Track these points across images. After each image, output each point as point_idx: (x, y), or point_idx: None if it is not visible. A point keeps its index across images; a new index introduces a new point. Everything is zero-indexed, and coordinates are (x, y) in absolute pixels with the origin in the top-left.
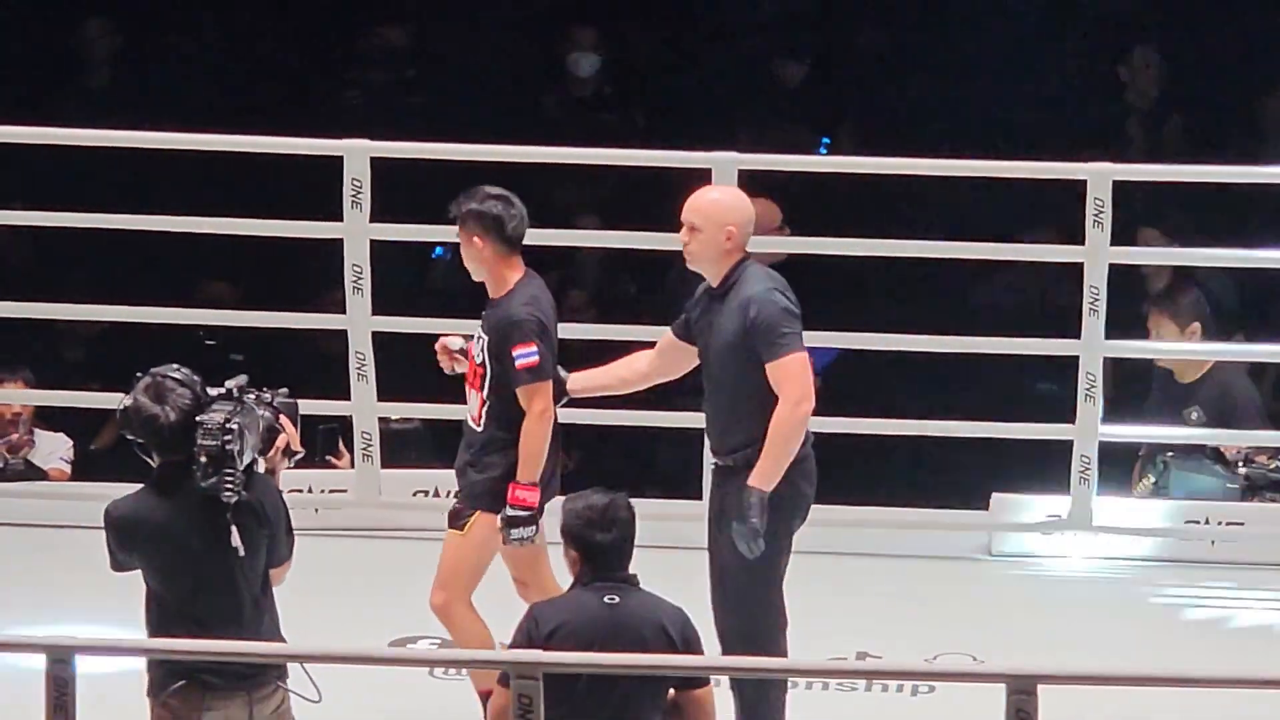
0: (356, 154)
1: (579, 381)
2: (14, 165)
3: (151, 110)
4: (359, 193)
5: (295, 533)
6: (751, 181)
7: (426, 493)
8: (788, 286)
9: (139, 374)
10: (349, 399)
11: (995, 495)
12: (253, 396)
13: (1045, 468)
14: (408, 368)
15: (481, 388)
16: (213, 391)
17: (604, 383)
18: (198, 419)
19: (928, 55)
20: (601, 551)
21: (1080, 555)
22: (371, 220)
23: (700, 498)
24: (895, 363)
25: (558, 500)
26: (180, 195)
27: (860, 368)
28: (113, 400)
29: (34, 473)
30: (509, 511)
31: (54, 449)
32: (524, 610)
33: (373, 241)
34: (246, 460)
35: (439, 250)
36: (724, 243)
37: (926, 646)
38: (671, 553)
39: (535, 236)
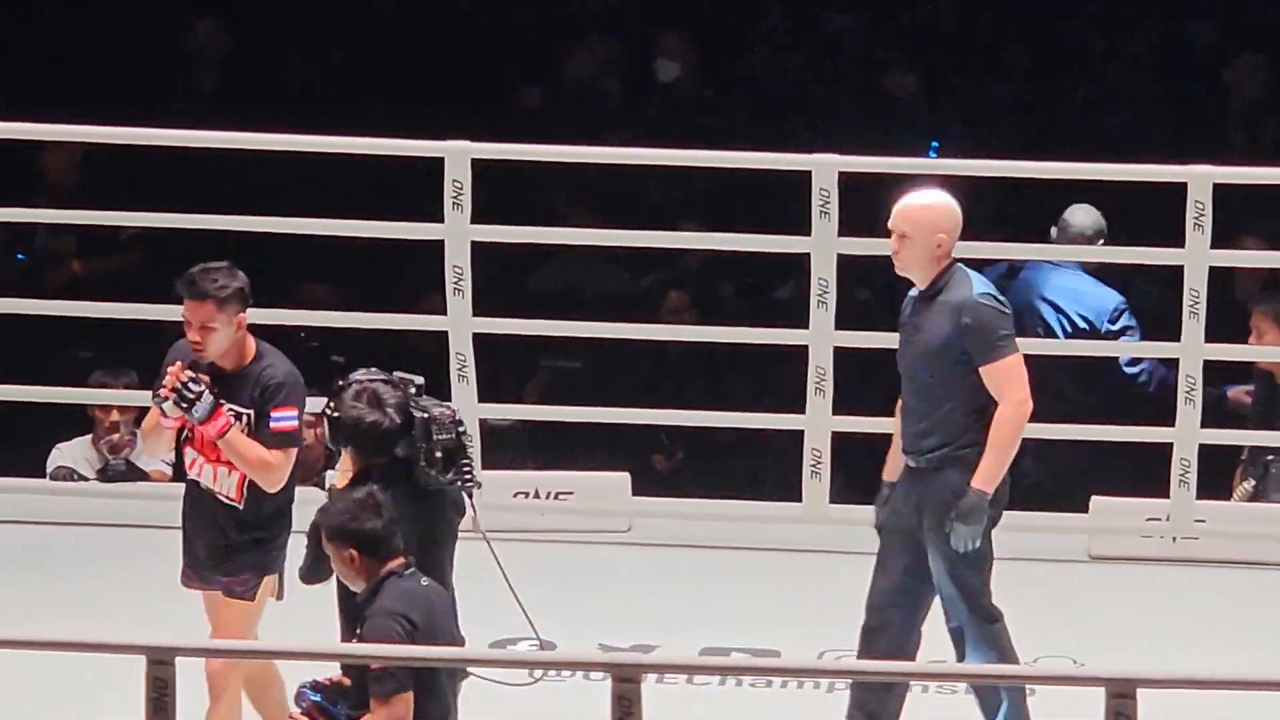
0: (457, 156)
1: (890, 469)
2: (122, 166)
3: (256, 111)
4: (460, 194)
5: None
6: (852, 185)
7: (527, 494)
8: (994, 286)
9: (340, 383)
10: (449, 400)
11: (1095, 498)
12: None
13: (1144, 471)
14: (507, 369)
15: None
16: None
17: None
18: (424, 414)
19: (1031, 58)
20: (380, 538)
21: (1180, 559)
22: (472, 221)
23: (800, 500)
24: None
25: None
26: (281, 196)
27: None
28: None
29: (135, 474)
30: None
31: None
32: None
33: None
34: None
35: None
36: (935, 250)
37: (1026, 649)
38: (775, 555)
39: (637, 238)
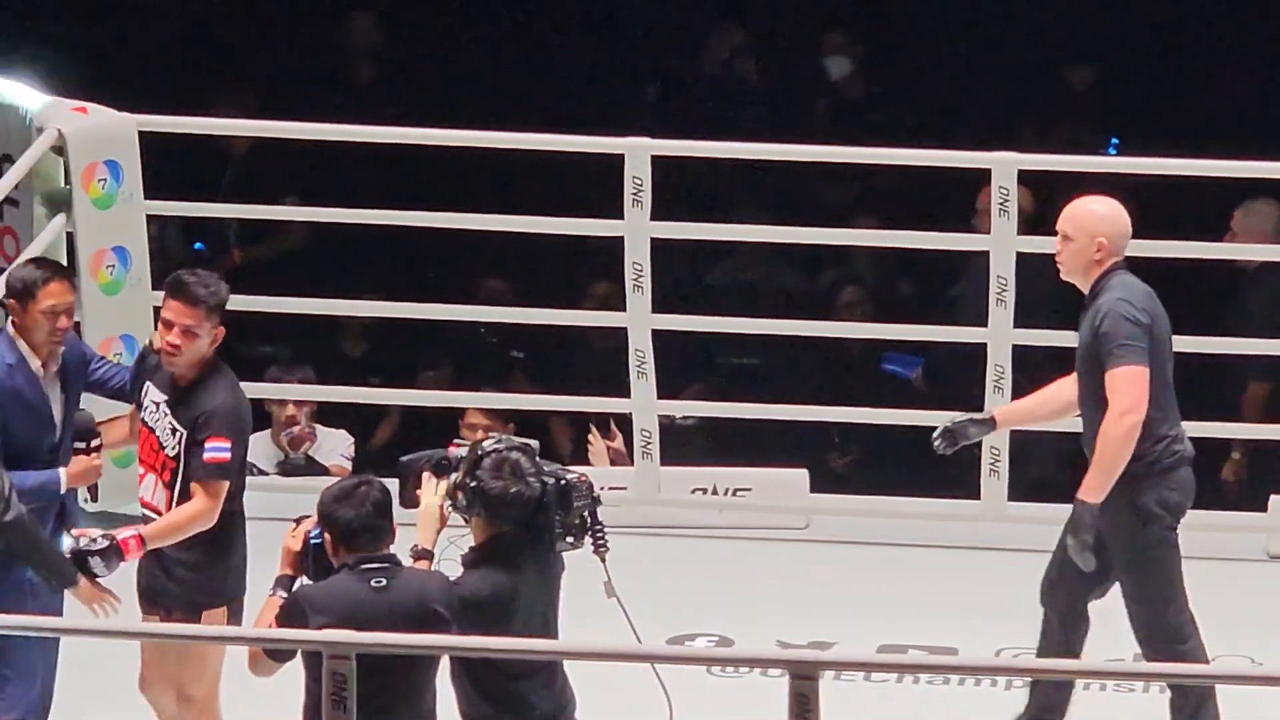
0: (637, 152)
1: (1009, 414)
2: (294, 161)
3: (419, 104)
4: (640, 191)
5: None
6: (1035, 182)
7: (705, 490)
8: (1149, 296)
9: (479, 452)
10: (627, 396)
11: (1275, 497)
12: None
13: None
14: (686, 365)
15: (172, 483)
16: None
17: (1036, 414)
18: (564, 484)
19: (1221, 52)
20: (350, 529)
21: None
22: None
23: (978, 497)
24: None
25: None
26: (456, 190)
27: None
28: (391, 396)
29: (315, 468)
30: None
31: (335, 445)
32: None
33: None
34: None
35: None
36: (1094, 254)
37: (1208, 649)
38: (948, 552)
39: (818, 235)
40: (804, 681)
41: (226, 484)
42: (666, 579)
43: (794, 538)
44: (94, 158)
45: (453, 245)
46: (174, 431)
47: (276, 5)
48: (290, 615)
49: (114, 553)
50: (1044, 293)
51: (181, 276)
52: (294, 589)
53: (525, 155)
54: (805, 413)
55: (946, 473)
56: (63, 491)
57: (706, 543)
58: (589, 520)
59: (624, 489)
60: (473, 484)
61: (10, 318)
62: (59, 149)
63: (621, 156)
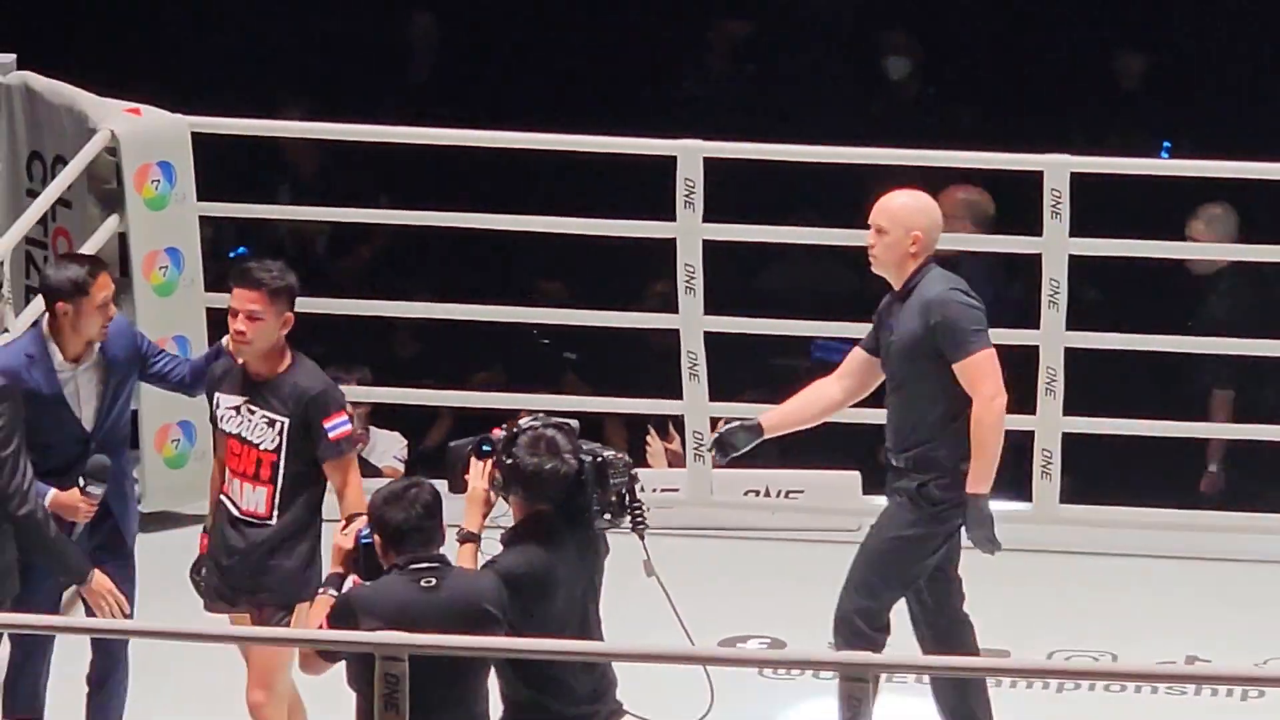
0: (690, 154)
1: (774, 419)
2: (347, 163)
3: (473, 105)
4: (691, 193)
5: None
6: (1085, 184)
7: (758, 492)
8: (968, 286)
9: (515, 430)
10: (680, 398)
11: None
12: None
13: None
14: (737, 367)
15: (273, 478)
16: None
17: (800, 418)
18: (596, 459)
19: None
20: (400, 531)
21: None
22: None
23: (1030, 499)
24: (1226, 365)
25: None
26: (510, 191)
27: (1183, 371)
28: (444, 398)
29: (368, 470)
30: None
31: (388, 447)
32: None
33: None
34: None
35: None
36: (909, 246)
37: (1257, 651)
38: (1000, 554)
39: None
40: (855, 684)
41: (355, 453)
42: (719, 581)
43: (846, 540)
44: (147, 159)
45: (507, 247)
46: (271, 423)
47: (334, 6)
48: (340, 616)
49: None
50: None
51: (245, 263)
52: (344, 589)
53: (580, 156)
54: (858, 415)
55: (998, 475)
56: (45, 508)
57: (759, 545)
58: (627, 498)
59: (676, 490)
60: (509, 461)
61: (51, 318)
62: (112, 150)
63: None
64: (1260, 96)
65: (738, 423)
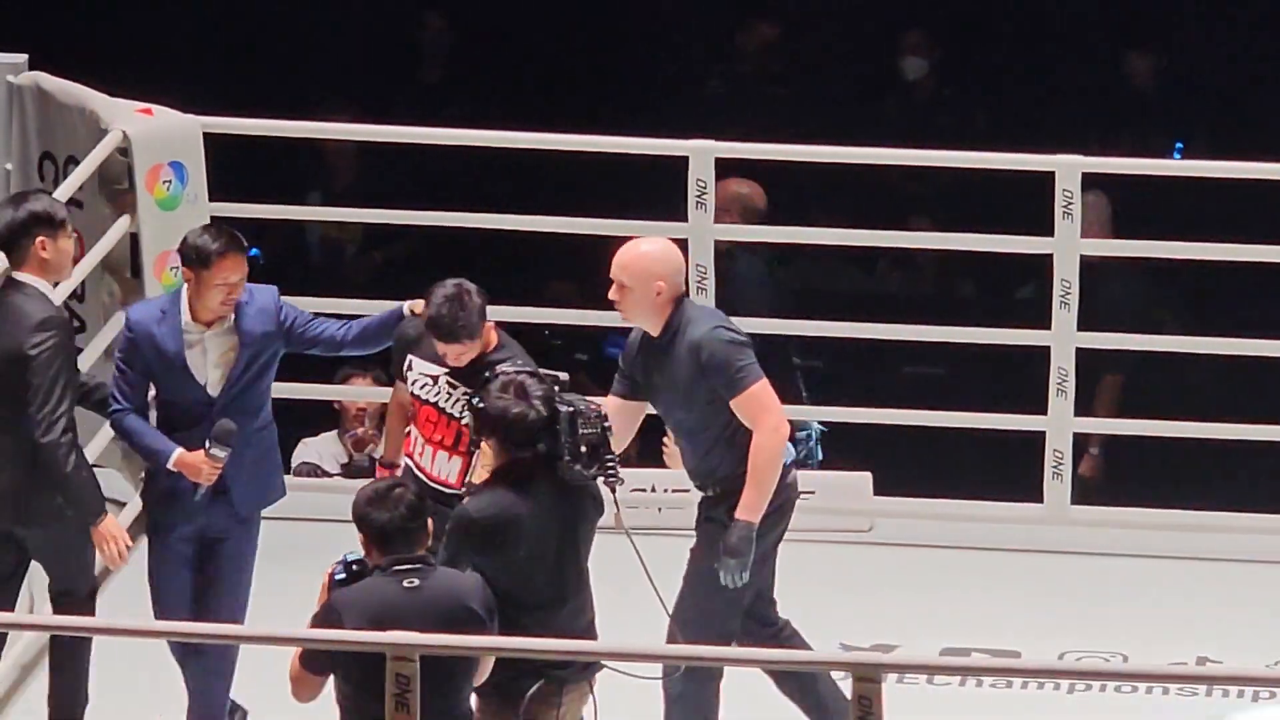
0: (701, 155)
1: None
2: (359, 163)
3: (484, 106)
4: (703, 193)
5: (639, 531)
6: (1093, 182)
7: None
8: (727, 318)
9: (488, 375)
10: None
11: None
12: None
13: None
14: None
15: (470, 451)
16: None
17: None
18: (568, 409)
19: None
20: (383, 531)
21: None
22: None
23: (1041, 500)
24: (1240, 367)
25: None
26: (521, 191)
27: (1199, 371)
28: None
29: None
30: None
31: None
32: None
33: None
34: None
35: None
36: (655, 297)
37: (1269, 652)
38: (1011, 555)
39: (880, 238)
40: (867, 684)
41: None
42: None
43: (858, 540)
44: (159, 159)
45: (519, 246)
46: (451, 400)
47: (347, 7)
48: (325, 619)
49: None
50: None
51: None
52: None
53: (591, 156)
54: (869, 415)
55: (1009, 476)
56: (169, 467)
57: (647, 540)
58: (601, 450)
59: (687, 491)
60: (480, 404)
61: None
62: (124, 150)
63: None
64: (1271, 98)
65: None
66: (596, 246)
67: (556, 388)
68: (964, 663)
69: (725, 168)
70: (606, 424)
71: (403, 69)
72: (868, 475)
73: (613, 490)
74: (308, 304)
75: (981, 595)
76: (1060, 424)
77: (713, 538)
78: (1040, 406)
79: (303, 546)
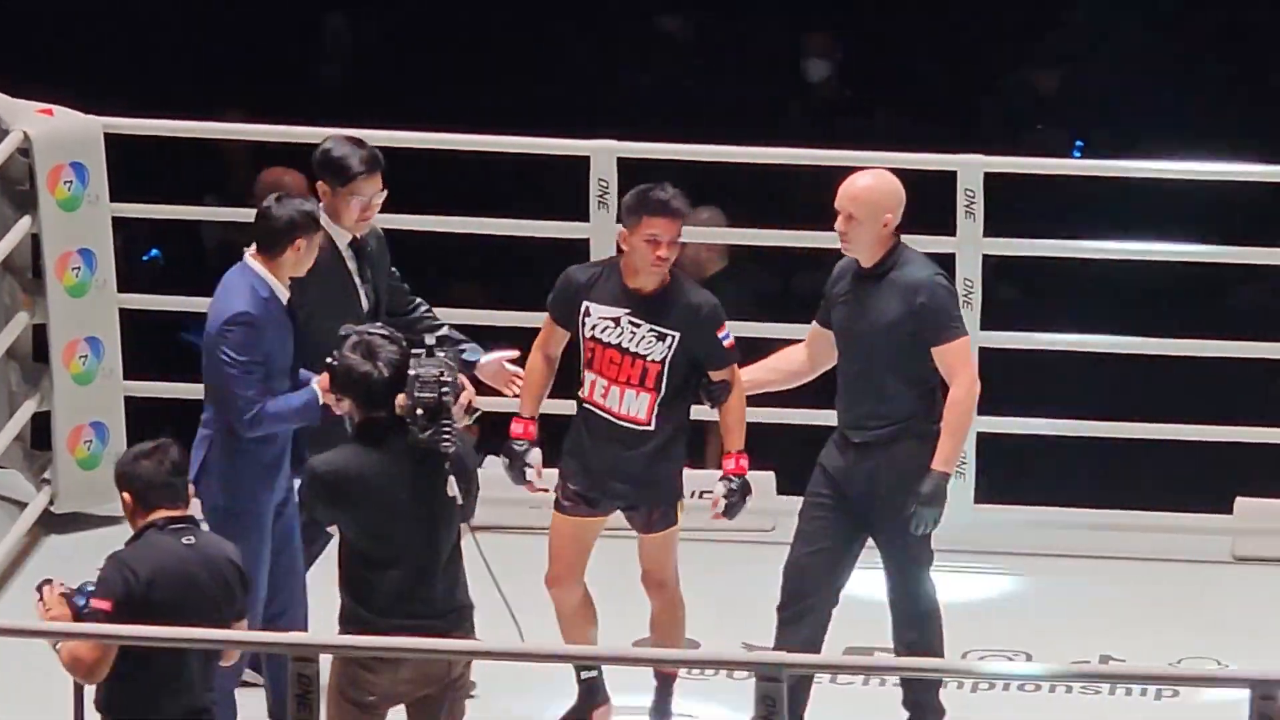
0: (603, 155)
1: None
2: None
3: (387, 107)
4: (605, 193)
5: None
6: (997, 182)
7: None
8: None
9: (342, 333)
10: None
11: (1240, 499)
12: (444, 353)
13: None
14: None
15: (657, 386)
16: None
17: (765, 380)
18: (412, 373)
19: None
20: (151, 484)
21: None
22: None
23: None
24: (1143, 365)
25: None
26: (428, 192)
27: (1104, 369)
28: None
29: None
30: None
31: None
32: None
33: None
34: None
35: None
36: (881, 230)
37: (1170, 650)
38: None
39: (775, 238)
40: (770, 683)
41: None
42: (632, 581)
43: (761, 540)
44: (60, 160)
45: (424, 247)
46: (661, 337)
47: (248, 8)
48: (113, 576)
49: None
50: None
51: (656, 195)
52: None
53: (497, 157)
54: (773, 415)
55: None
56: (320, 402)
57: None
58: (437, 414)
59: (545, 490)
60: (332, 362)
61: (288, 254)
62: (25, 151)
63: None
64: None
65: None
66: (499, 248)
67: (440, 353)
68: (867, 662)
69: (629, 169)
70: (444, 391)
71: (303, 68)
72: (771, 474)
73: (446, 459)
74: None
75: (884, 595)
76: None
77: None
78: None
79: None
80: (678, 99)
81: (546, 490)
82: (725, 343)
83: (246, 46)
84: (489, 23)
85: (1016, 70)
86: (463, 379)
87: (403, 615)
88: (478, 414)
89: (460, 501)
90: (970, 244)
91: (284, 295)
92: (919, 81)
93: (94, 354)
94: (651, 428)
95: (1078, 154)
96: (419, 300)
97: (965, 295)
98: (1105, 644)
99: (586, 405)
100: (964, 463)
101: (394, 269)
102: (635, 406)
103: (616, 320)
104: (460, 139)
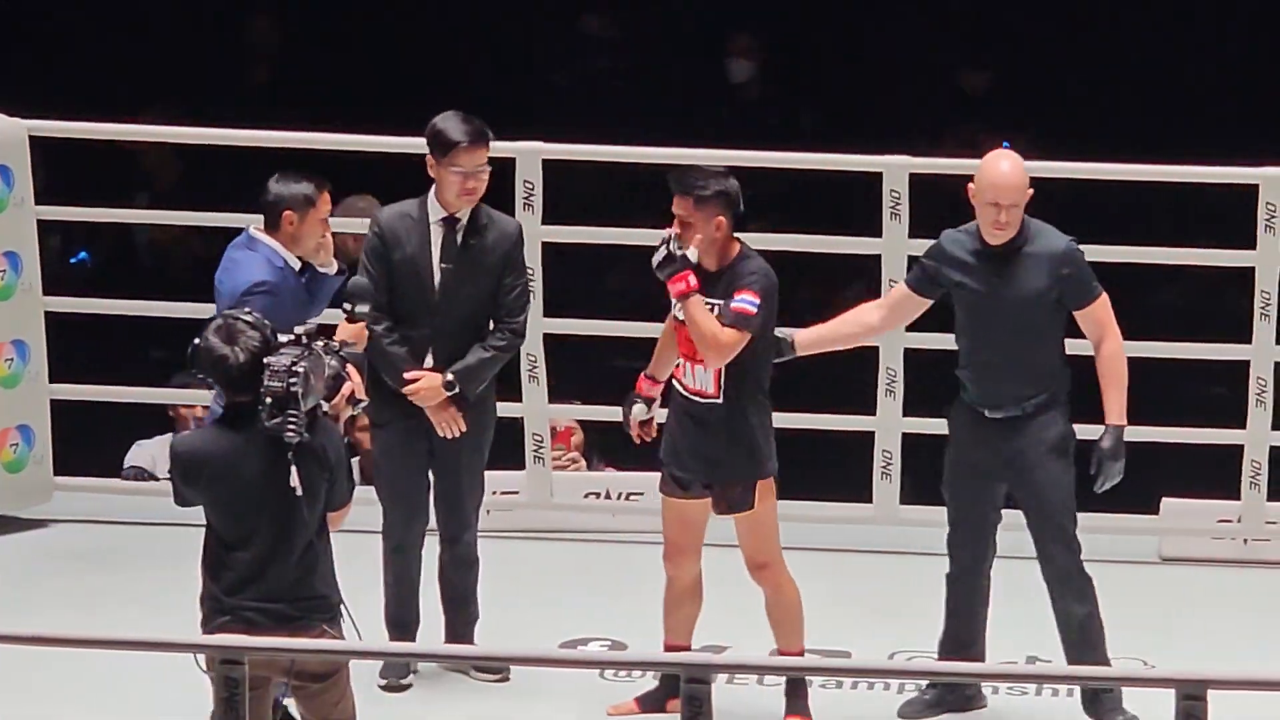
0: (528, 157)
1: (808, 338)
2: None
3: (314, 107)
4: (531, 194)
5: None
6: (925, 184)
7: (598, 494)
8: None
9: (213, 317)
10: (520, 400)
11: (1166, 500)
12: (320, 344)
13: (1216, 473)
14: (579, 370)
15: None
16: (283, 338)
17: (835, 337)
18: (265, 361)
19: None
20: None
21: (1251, 560)
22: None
23: (870, 501)
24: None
25: None
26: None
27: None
28: None
29: None
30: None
31: None
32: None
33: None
34: (310, 404)
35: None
36: (1021, 208)
37: None
38: (841, 555)
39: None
40: (697, 685)
41: (747, 335)
42: (559, 583)
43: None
44: None
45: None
46: (713, 309)
47: (174, 9)
48: None
49: (672, 268)
50: None
51: (676, 173)
52: None
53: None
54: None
55: (839, 476)
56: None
57: (599, 547)
58: (285, 404)
59: (516, 493)
60: (195, 341)
61: (284, 228)
62: None
63: (514, 160)
64: (1099, 101)
65: (782, 335)
66: None
67: (317, 344)
68: (795, 663)
69: (554, 170)
70: (292, 381)
71: (231, 70)
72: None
73: (289, 447)
74: (138, 306)
75: (812, 595)
76: (889, 424)
77: (1045, 458)
78: (869, 407)
79: (128, 550)
80: (602, 100)
81: (646, 443)
82: (735, 305)
83: (169, 48)
84: (413, 24)
85: (944, 70)
86: (350, 371)
87: (251, 596)
88: (362, 404)
89: (300, 493)
90: (896, 245)
91: (296, 266)
92: (842, 82)
93: (19, 357)
94: (720, 400)
95: None
96: (510, 322)
97: None
98: (1032, 645)
99: (674, 385)
100: (888, 464)
101: (510, 279)
102: (703, 379)
103: (670, 292)
104: (385, 141)
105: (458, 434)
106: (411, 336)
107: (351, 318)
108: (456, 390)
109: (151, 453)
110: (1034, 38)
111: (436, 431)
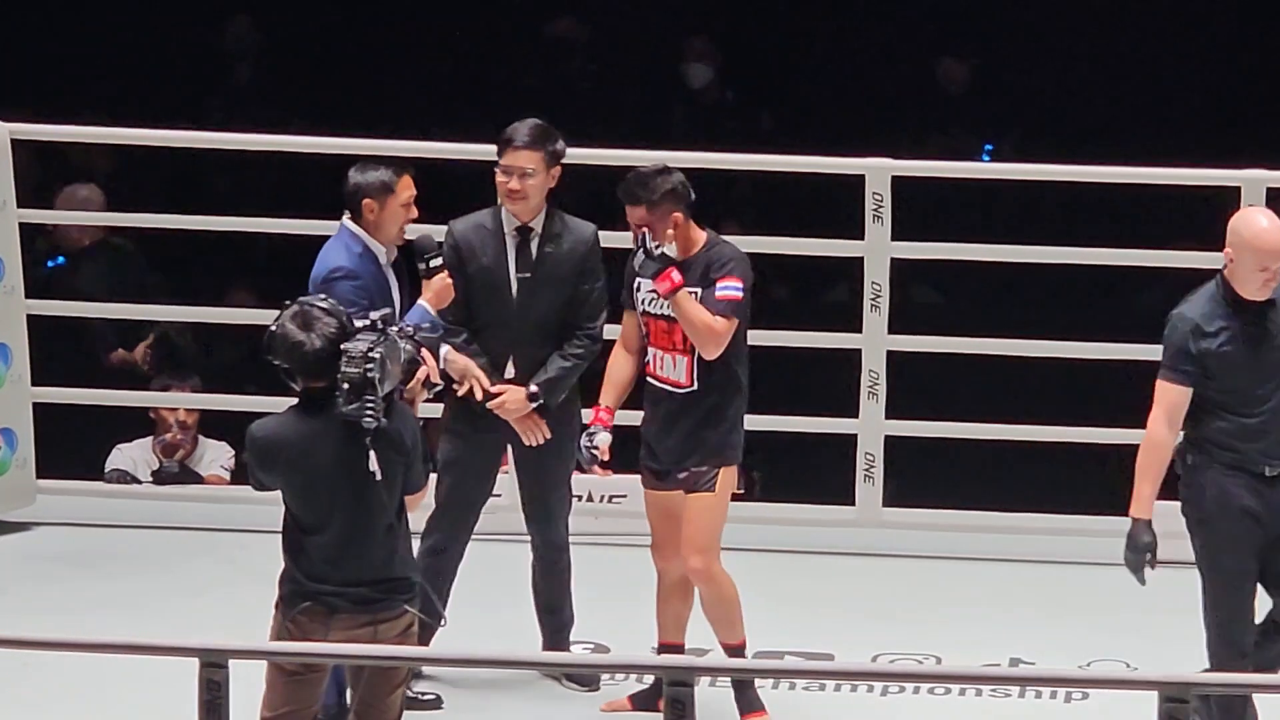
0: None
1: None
2: (162, 166)
3: (294, 109)
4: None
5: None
6: (907, 186)
7: (581, 497)
8: None
9: (288, 301)
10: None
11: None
12: (396, 329)
13: None
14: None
15: (689, 347)
16: (359, 323)
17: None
18: (342, 347)
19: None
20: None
21: None
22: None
23: (853, 503)
24: (1048, 369)
25: None
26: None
27: (1006, 374)
28: (273, 405)
29: (189, 477)
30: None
31: (215, 456)
32: None
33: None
34: (387, 389)
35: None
36: None
37: (1080, 653)
38: (824, 558)
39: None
40: (680, 688)
41: (735, 321)
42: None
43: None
44: None
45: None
46: (688, 296)
47: (151, 9)
48: None
49: (655, 268)
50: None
51: (623, 185)
52: None
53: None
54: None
55: (822, 479)
56: (434, 316)
57: (582, 550)
58: (362, 390)
59: (499, 496)
60: (271, 328)
61: (365, 216)
62: None
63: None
64: (1079, 101)
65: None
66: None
67: (391, 330)
68: (777, 665)
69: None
70: (369, 367)
71: (212, 71)
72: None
73: (366, 432)
74: (114, 310)
75: (794, 598)
76: (872, 427)
77: None
78: (852, 410)
79: (110, 553)
80: (569, 103)
81: (610, 473)
82: (719, 293)
83: (150, 50)
84: (388, 27)
85: (924, 70)
86: (425, 355)
87: (333, 581)
88: (438, 388)
89: (379, 478)
90: (879, 248)
91: (379, 250)
92: (802, 85)
93: (2, 361)
94: (695, 388)
95: (986, 158)
96: (589, 327)
97: (873, 300)
98: (1015, 647)
99: (647, 378)
100: (871, 467)
101: (587, 285)
102: (676, 370)
103: (657, 290)
104: (359, 144)
105: (541, 441)
106: (491, 347)
107: (429, 272)
108: (541, 402)
109: (133, 456)
110: (1010, 38)
111: (522, 441)
